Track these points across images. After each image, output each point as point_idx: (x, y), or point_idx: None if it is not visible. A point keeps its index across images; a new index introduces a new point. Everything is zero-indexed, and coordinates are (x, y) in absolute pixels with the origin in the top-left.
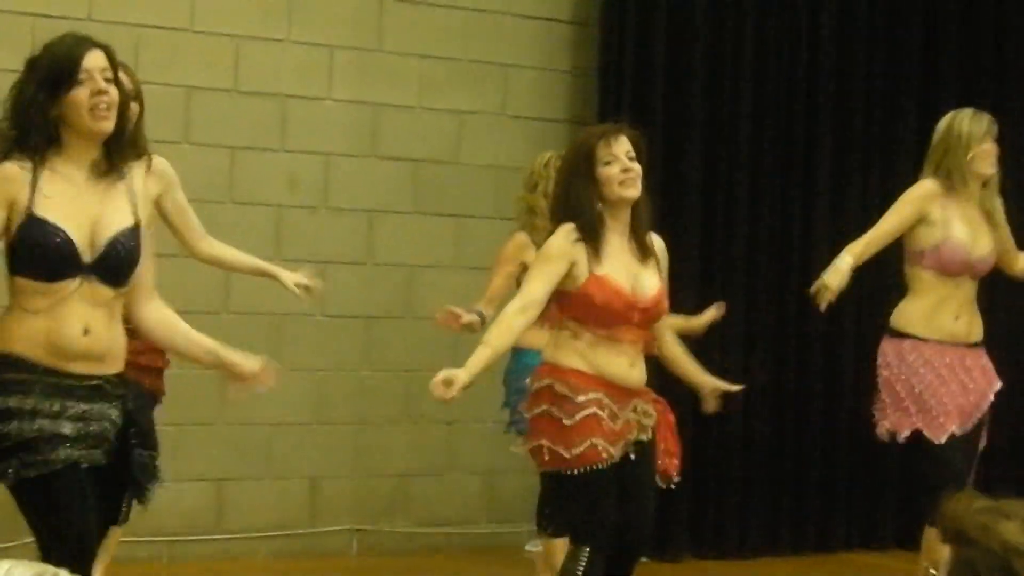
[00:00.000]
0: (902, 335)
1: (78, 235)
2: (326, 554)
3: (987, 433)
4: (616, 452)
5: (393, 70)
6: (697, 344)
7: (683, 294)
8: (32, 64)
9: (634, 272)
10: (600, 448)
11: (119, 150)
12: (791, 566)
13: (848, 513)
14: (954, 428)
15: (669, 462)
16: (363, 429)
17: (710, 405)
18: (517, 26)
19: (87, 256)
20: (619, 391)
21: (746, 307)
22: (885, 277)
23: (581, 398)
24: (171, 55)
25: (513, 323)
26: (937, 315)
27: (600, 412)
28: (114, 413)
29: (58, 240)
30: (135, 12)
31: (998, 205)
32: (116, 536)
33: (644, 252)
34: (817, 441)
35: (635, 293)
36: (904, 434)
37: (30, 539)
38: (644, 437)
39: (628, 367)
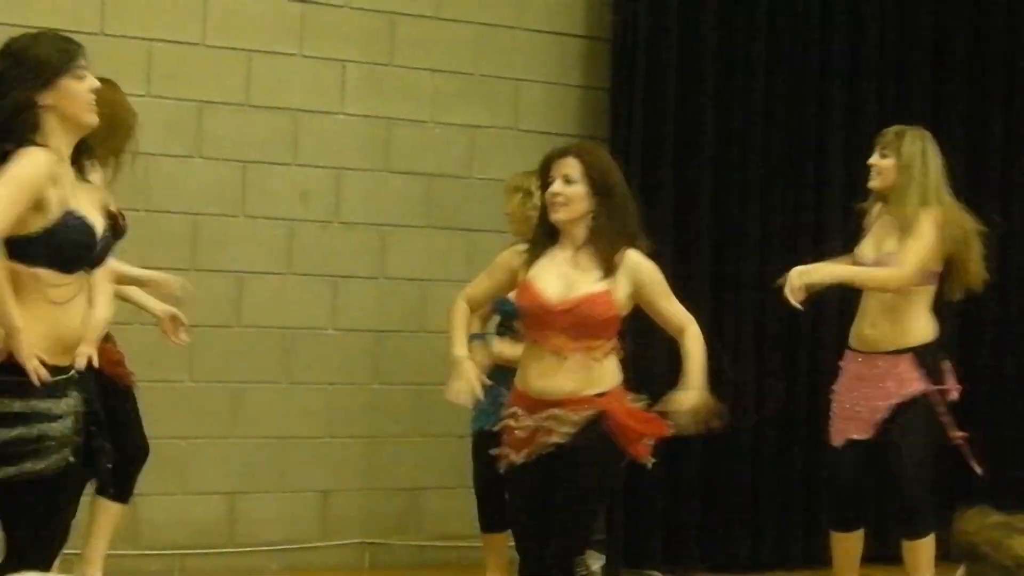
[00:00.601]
0: (848, 348)
1: (96, 231)
2: (337, 568)
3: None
4: (516, 458)
5: (405, 84)
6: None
7: (696, 305)
8: (15, 54)
9: (571, 280)
10: (508, 454)
11: (86, 150)
12: None
13: (874, 527)
14: (853, 433)
15: (635, 448)
16: (375, 443)
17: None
18: (529, 41)
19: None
20: (533, 402)
21: (756, 318)
22: None
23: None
24: (183, 69)
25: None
26: (858, 323)
27: (512, 422)
28: (84, 400)
29: (89, 236)
30: (147, 26)
31: (912, 215)
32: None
33: (604, 266)
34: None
35: (559, 298)
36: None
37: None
38: (560, 440)
39: (547, 376)
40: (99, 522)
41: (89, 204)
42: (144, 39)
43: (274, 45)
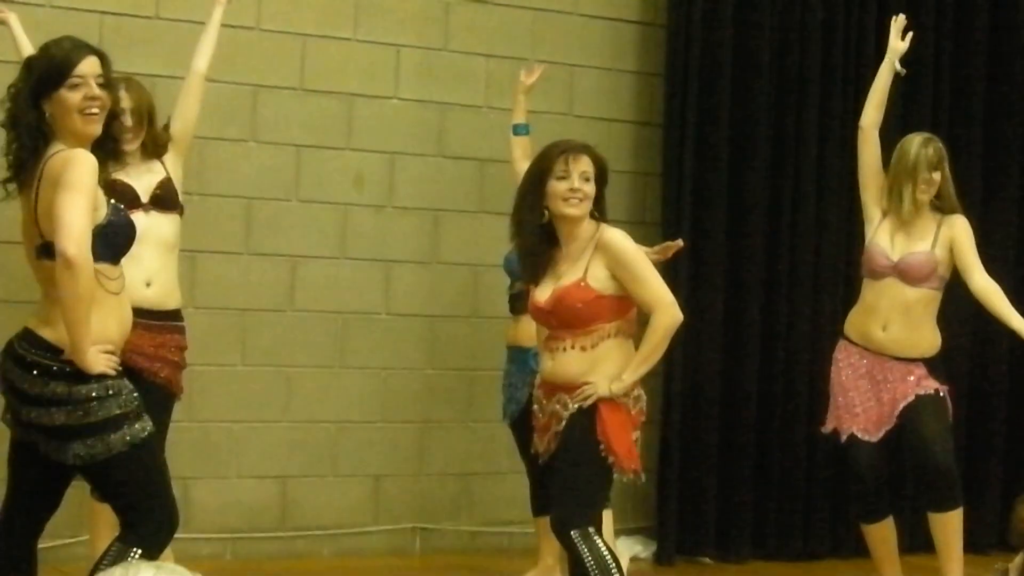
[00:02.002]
0: (843, 337)
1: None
2: (388, 553)
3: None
4: (541, 445)
5: (459, 69)
6: (767, 344)
7: (749, 297)
8: (29, 64)
9: (559, 274)
10: (536, 440)
11: (107, 154)
12: (855, 568)
13: (913, 516)
14: (856, 431)
15: (616, 461)
16: (427, 428)
17: None
18: (584, 26)
19: None
20: (545, 386)
21: (811, 299)
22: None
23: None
24: (238, 53)
25: None
26: (864, 320)
27: (536, 408)
28: None
29: (131, 225)
30: (202, 11)
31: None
32: None
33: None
34: (883, 443)
35: (545, 296)
36: (826, 430)
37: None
38: (560, 428)
39: (550, 362)
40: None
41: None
42: (199, 23)
43: (329, 29)
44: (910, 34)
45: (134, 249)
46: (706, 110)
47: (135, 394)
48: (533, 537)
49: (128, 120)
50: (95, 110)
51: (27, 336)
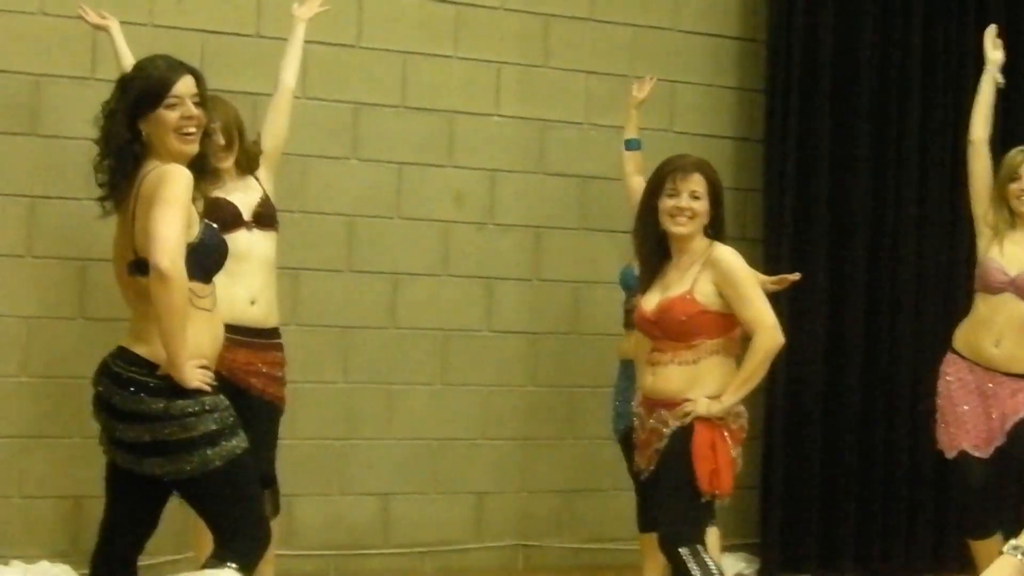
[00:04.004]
0: (951, 350)
1: None
2: (491, 570)
3: None
4: (643, 462)
5: (560, 87)
6: (869, 359)
7: (850, 312)
8: (124, 83)
9: (667, 284)
10: (637, 457)
11: (201, 172)
12: None
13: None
14: (966, 447)
15: (705, 479)
16: (528, 445)
17: None
18: (684, 43)
19: None
20: (646, 401)
21: (914, 308)
22: None
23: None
24: (339, 72)
25: None
26: (976, 334)
27: (636, 425)
28: None
29: (223, 243)
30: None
31: None
32: None
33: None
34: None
35: (651, 306)
36: (949, 454)
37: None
38: (661, 445)
39: (650, 377)
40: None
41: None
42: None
43: (429, 47)
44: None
45: (238, 267)
46: (806, 125)
47: (231, 410)
48: (636, 554)
49: (220, 139)
50: (192, 129)
51: (122, 354)
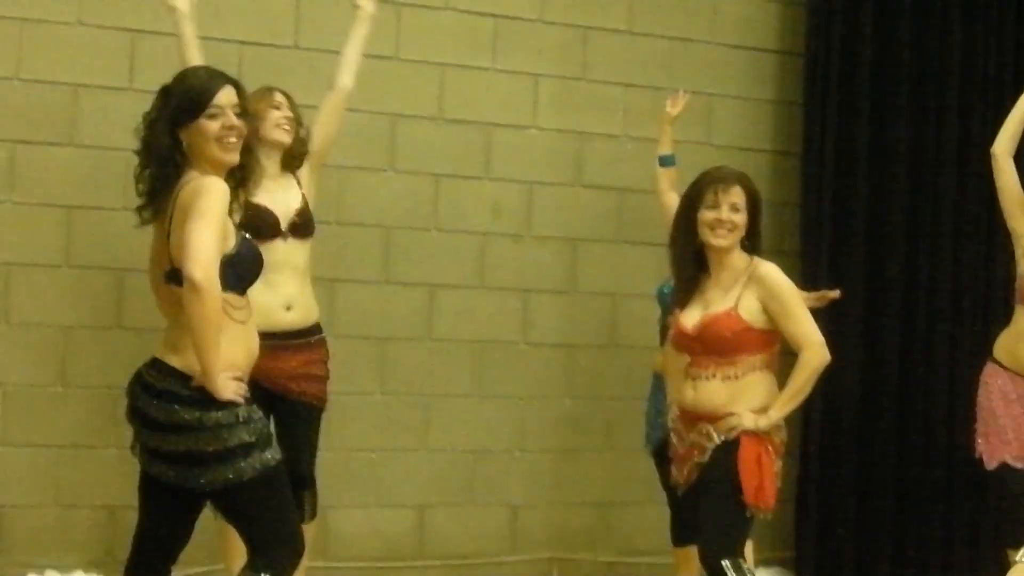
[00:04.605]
0: (992, 360)
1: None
2: None
3: None
4: (681, 476)
5: (597, 99)
6: (905, 372)
7: (887, 325)
8: (166, 93)
9: (708, 300)
10: (674, 471)
11: (242, 181)
12: None
13: None
14: (1008, 458)
15: (750, 493)
16: (565, 457)
17: None
18: (722, 55)
19: None
20: (685, 415)
21: (951, 322)
22: None
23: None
24: (377, 83)
25: None
26: (1019, 346)
27: (674, 439)
28: None
29: (259, 257)
30: (341, 39)
31: None
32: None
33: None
34: None
35: (693, 323)
36: (979, 456)
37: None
38: (703, 459)
39: (690, 391)
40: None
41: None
42: (338, 53)
43: (467, 59)
44: None
45: (273, 276)
46: (845, 139)
47: (264, 421)
48: (671, 567)
49: (284, 121)
50: (233, 139)
51: (156, 364)
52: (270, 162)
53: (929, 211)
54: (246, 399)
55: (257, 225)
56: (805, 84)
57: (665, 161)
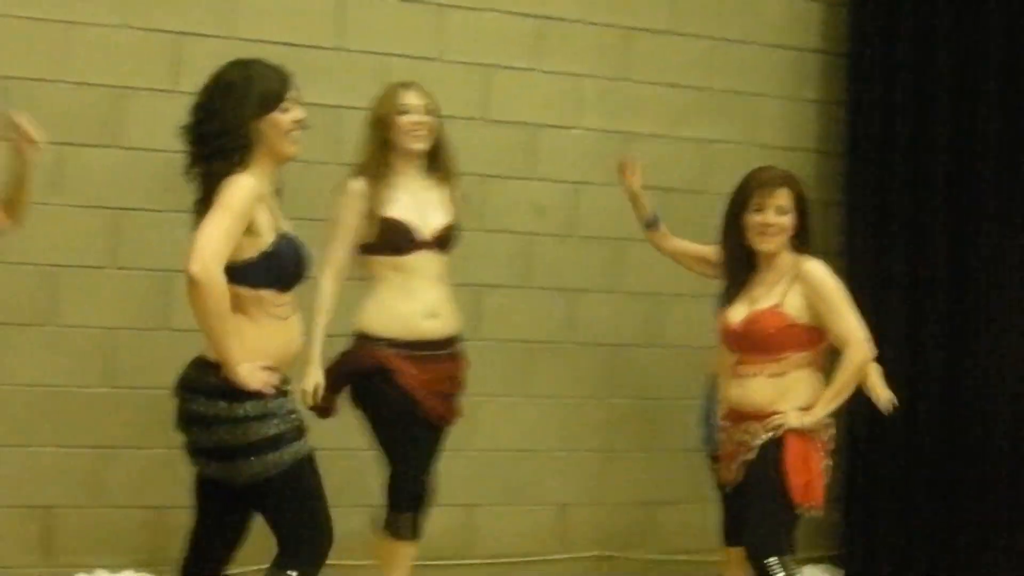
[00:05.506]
0: None
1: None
2: None
3: None
4: (729, 474)
5: (641, 99)
6: (949, 371)
7: (931, 323)
8: (231, 84)
9: (754, 298)
10: (722, 469)
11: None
12: None
13: None
14: None
15: (797, 492)
16: (611, 456)
17: None
18: (765, 55)
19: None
20: (732, 414)
21: (996, 336)
22: None
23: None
24: (421, 84)
25: None
26: None
27: (723, 437)
28: None
29: (305, 255)
30: (385, 41)
31: None
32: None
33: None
34: None
35: (738, 319)
36: None
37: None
38: (750, 456)
39: (736, 389)
40: (387, 562)
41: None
42: (382, 54)
43: (511, 60)
44: None
45: (413, 283)
46: (888, 138)
47: (295, 414)
48: (715, 566)
49: (417, 116)
50: (298, 133)
51: (196, 361)
52: (409, 168)
53: (973, 208)
54: (280, 391)
55: (389, 240)
56: (848, 83)
57: (650, 224)
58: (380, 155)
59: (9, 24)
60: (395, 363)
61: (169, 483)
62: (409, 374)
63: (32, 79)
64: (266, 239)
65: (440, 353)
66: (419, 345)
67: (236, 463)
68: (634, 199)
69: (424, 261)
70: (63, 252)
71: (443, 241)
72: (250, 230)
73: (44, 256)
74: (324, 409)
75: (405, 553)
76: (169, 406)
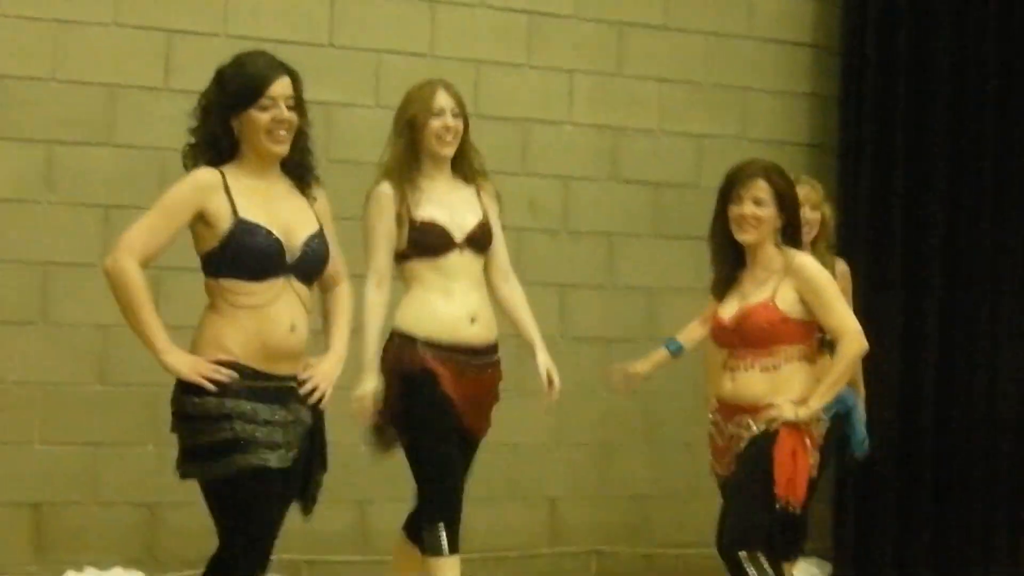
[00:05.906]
0: None
1: (279, 237)
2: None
3: None
4: (722, 469)
5: (633, 94)
6: (944, 366)
7: (926, 319)
8: (221, 76)
9: (745, 294)
10: (715, 465)
11: (296, 172)
12: None
13: None
14: None
15: (782, 485)
16: (603, 452)
17: None
18: (757, 50)
19: (289, 257)
20: (724, 407)
21: (990, 317)
22: None
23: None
24: (412, 80)
25: None
26: None
27: (712, 431)
28: (304, 413)
29: (268, 242)
30: (376, 38)
31: None
32: None
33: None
34: None
35: (730, 315)
36: None
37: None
38: (740, 449)
39: (729, 383)
40: (399, 564)
41: (279, 213)
42: (373, 50)
43: (502, 56)
44: None
45: (452, 285)
46: (881, 133)
47: (255, 423)
48: (710, 560)
49: (449, 119)
50: (283, 132)
51: None
52: (435, 170)
53: (968, 204)
54: (245, 394)
55: (425, 242)
56: (841, 78)
57: (677, 355)
58: (408, 157)
59: (1, 23)
60: (438, 368)
61: (160, 481)
62: (450, 381)
63: (24, 77)
64: (223, 228)
65: (481, 362)
66: (460, 350)
67: (189, 462)
68: (651, 372)
69: (462, 262)
70: (55, 250)
71: (477, 241)
72: (205, 221)
73: (37, 254)
74: (380, 435)
75: (446, 569)
76: (160, 403)
